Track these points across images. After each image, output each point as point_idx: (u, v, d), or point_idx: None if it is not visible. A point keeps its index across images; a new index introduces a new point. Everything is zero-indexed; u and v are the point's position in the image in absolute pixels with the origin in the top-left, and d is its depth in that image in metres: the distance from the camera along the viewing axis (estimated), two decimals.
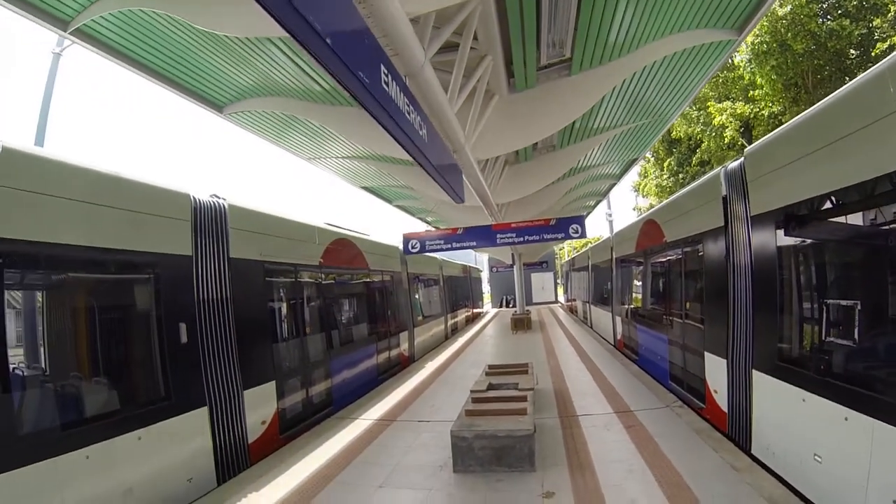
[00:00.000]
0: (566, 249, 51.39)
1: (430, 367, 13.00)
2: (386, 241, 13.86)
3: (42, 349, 4.42)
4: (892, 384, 3.53)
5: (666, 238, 8.99)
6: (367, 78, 3.45)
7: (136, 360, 5.30)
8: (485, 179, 10.81)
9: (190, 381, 5.68)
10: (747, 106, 23.58)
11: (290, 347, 7.97)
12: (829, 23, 20.47)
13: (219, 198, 6.67)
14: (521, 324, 20.36)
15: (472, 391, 7.27)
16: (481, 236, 12.97)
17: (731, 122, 23.84)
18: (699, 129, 26.02)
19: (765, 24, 20.03)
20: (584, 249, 25.83)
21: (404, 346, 14.14)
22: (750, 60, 22.05)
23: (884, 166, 3.46)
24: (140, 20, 6.72)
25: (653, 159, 33.87)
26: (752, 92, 23.13)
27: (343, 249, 10.40)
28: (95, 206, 4.77)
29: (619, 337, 13.96)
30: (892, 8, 19.40)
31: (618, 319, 14.08)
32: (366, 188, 18.09)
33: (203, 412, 5.77)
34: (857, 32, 19.94)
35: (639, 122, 12.39)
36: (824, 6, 20.98)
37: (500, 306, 41.93)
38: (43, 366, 4.38)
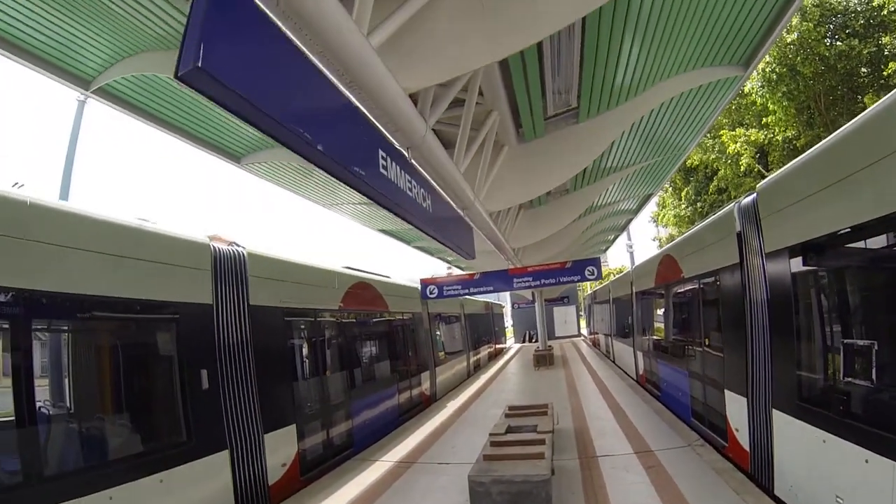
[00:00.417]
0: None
1: (452, 406, 12.95)
2: (406, 281, 13.99)
3: (69, 394, 4.61)
4: None
5: (683, 273, 8.98)
6: (362, 171, 3.66)
7: (159, 405, 5.49)
8: (498, 228, 10.92)
9: (211, 426, 5.81)
10: (761, 132, 23.45)
11: (310, 391, 8.08)
12: (837, 44, 20.43)
13: (238, 246, 6.90)
14: (543, 360, 20.18)
15: (490, 434, 7.27)
16: (498, 281, 13.06)
17: (746, 149, 23.67)
18: (714, 157, 25.92)
19: (773, 51, 20.07)
20: (605, 282, 25.63)
21: (425, 385, 14.11)
22: (762, 86, 21.98)
23: None
24: (156, 78, 7.02)
25: (670, 189, 33.67)
26: (765, 118, 23.03)
27: (363, 293, 10.54)
28: (119, 258, 5.00)
29: (641, 372, 13.79)
30: None
31: (639, 354, 13.92)
32: (383, 231, 18.29)
33: (224, 455, 5.89)
34: (866, 51, 19.87)
35: (653, 159, 12.46)
36: (831, 27, 20.96)
37: (524, 341, 41.54)
38: (70, 409, 4.58)
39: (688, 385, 8.83)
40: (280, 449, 6.85)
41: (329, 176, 3.47)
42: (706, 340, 7.94)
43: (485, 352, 25.26)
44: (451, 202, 7.07)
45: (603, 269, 15.23)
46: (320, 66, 3.40)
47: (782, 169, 5.41)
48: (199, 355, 5.82)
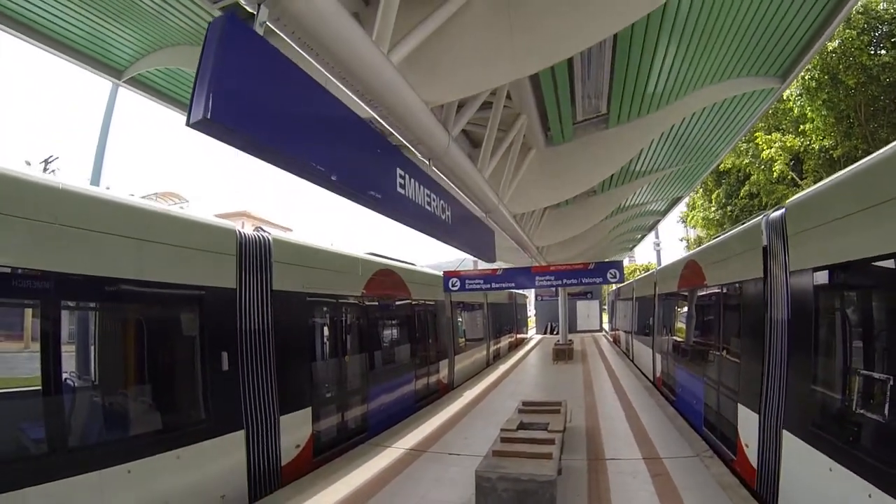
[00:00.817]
0: None
1: (468, 396, 13.14)
2: (430, 270, 14.14)
3: (95, 371, 4.90)
4: None
5: (707, 281, 8.92)
6: (378, 193, 3.73)
7: (180, 385, 5.74)
8: (523, 228, 10.89)
9: (229, 407, 6.06)
10: (797, 139, 22.78)
11: (328, 376, 8.31)
12: (882, 54, 19.61)
13: (263, 231, 7.11)
14: (562, 354, 20.18)
15: (501, 429, 7.39)
16: (520, 278, 13.09)
17: (780, 155, 23.04)
18: (747, 162, 25.32)
19: (815, 58, 19.36)
20: (629, 280, 25.41)
21: (443, 373, 14.28)
22: (800, 95, 21.27)
23: None
24: (182, 70, 7.25)
25: (701, 190, 33.00)
26: (802, 125, 22.33)
27: (386, 279, 10.71)
28: (149, 242, 5.22)
29: (658, 374, 13.74)
30: None
31: (658, 356, 13.86)
32: None
33: (240, 435, 6.15)
34: None
35: (683, 165, 12.29)
36: (876, 35, 20.09)
37: (545, 333, 41.52)
38: (98, 385, 4.88)
39: (702, 394, 8.82)
40: (295, 431, 7.09)
41: None
42: (723, 352, 7.90)
43: (505, 341, 25.34)
44: (474, 207, 7.11)
45: (629, 264, 15.11)
46: (338, 91, 3.44)
47: (815, 186, 5.27)
48: (220, 338, 6.04)
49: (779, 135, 23.55)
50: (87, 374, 4.84)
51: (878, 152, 4.17)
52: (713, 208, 31.44)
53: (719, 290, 8.11)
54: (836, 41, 19.33)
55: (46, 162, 26.40)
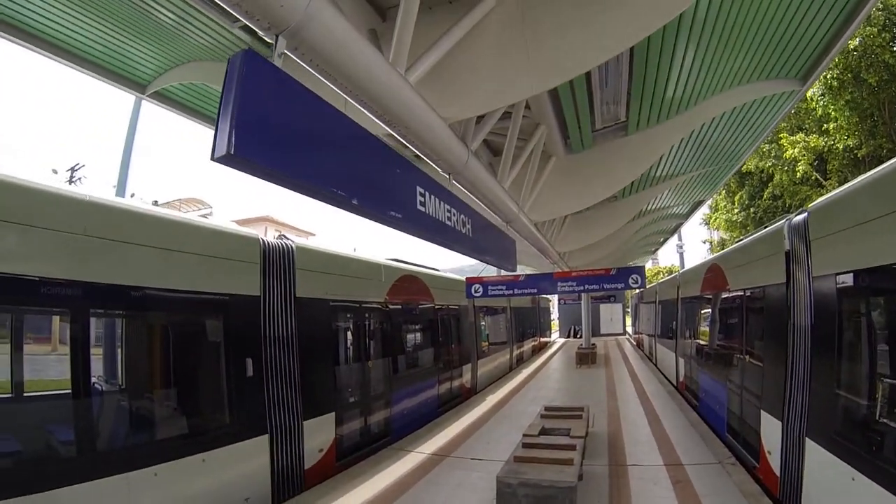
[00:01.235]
0: None
1: (491, 400, 13.17)
2: (452, 275, 14.23)
3: (122, 377, 5.06)
4: None
5: (729, 286, 8.86)
6: (399, 213, 3.82)
7: (205, 390, 5.91)
8: (544, 235, 10.89)
9: (254, 412, 6.22)
10: (821, 139, 22.34)
11: (351, 381, 8.43)
12: None
13: (286, 239, 7.28)
14: (585, 358, 20.08)
15: (524, 435, 7.43)
16: (543, 284, 13.10)
17: (803, 155, 22.62)
18: (770, 164, 24.94)
19: (837, 57, 19.02)
20: (652, 284, 25.17)
21: (467, 377, 14.33)
22: (823, 94, 20.86)
23: None
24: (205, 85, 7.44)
25: (724, 191, 32.53)
26: (825, 125, 21.90)
27: (409, 286, 10.82)
28: (175, 252, 5.40)
29: (681, 379, 13.62)
30: None
31: (681, 361, 13.74)
32: None
33: (264, 439, 6.29)
34: None
35: (704, 169, 12.19)
36: None
37: (568, 336, 41.31)
38: (126, 390, 5.04)
39: (725, 399, 8.74)
40: (318, 435, 7.22)
41: None
42: (746, 357, 7.83)
43: (528, 345, 25.27)
44: (494, 218, 7.18)
45: (652, 267, 14.97)
46: (355, 112, 3.52)
47: (838, 189, 5.20)
48: (245, 344, 6.20)
49: (802, 135, 23.15)
50: (115, 379, 5.02)
51: None
52: (736, 210, 30.99)
53: (742, 295, 8.04)
54: (857, 39, 18.95)
55: (73, 170, 27.07)
